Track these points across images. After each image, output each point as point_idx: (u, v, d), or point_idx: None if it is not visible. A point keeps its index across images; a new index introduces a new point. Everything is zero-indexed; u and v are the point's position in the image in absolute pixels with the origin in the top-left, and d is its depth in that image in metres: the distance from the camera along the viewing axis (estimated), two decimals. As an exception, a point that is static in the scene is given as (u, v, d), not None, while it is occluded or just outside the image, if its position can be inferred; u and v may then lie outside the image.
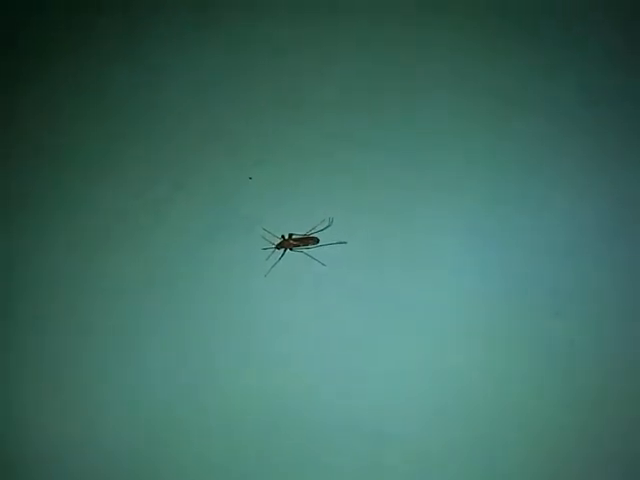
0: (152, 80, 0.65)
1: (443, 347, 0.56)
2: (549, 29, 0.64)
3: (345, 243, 0.59)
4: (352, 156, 0.61)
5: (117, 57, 0.67)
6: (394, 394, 0.55)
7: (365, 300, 0.58)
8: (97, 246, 0.61)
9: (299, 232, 0.59)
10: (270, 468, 0.55)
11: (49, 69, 0.67)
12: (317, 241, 0.59)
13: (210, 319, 0.58)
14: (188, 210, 0.61)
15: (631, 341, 0.55)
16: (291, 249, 0.59)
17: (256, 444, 0.55)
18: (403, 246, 0.59)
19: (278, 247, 0.58)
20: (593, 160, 0.60)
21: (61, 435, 0.56)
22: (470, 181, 0.60)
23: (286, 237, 0.59)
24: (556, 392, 0.55)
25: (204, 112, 0.64)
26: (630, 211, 0.58)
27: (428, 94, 0.63)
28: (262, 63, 0.65)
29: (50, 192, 0.63)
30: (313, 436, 0.55)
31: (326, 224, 0.59)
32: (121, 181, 0.62)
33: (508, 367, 0.56)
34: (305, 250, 0.59)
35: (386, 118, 0.63)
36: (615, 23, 0.64)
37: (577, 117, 0.61)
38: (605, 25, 0.64)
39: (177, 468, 0.55)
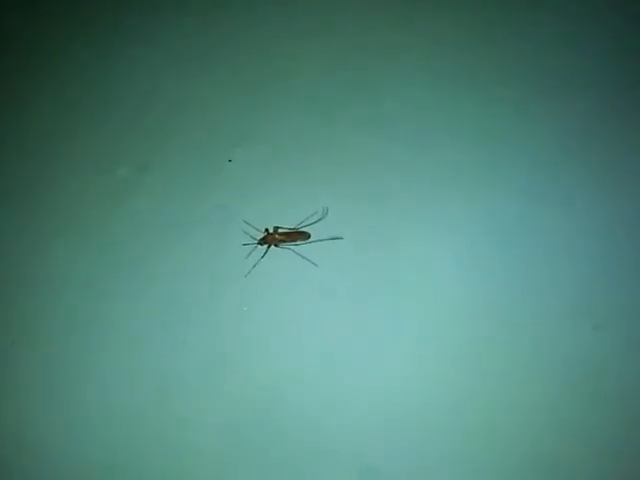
0: (114, 48, 0.61)
1: (450, 361, 0.49)
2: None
3: (341, 239, 0.51)
4: (350, 137, 0.55)
5: (77, 21, 0.62)
6: (390, 408, 0.48)
7: (363, 309, 0.50)
8: (46, 232, 0.55)
9: (286, 225, 0.52)
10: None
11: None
12: (308, 236, 0.52)
13: (174, 328, 0.51)
14: (154, 196, 0.55)
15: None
16: (277, 245, 0.52)
17: (231, 452, 0.48)
18: (409, 244, 0.51)
19: (261, 243, 0.52)
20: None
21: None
22: (487, 171, 0.54)
23: (271, 231, 0.52)
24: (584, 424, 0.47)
25: (176, 81, 0.59)
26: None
27: (434, 69, 0.57)
28: (244, 26, 0.60)
29: None
30: (296, 449, 0.47)
31: (319, 216, 0.52)
32: (76, 159, 0.57)
33: (525, 389, 0.47)
34: (293, 247, 0.52)
35: (386, 94, 0.57)
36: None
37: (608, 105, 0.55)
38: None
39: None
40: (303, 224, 0.52)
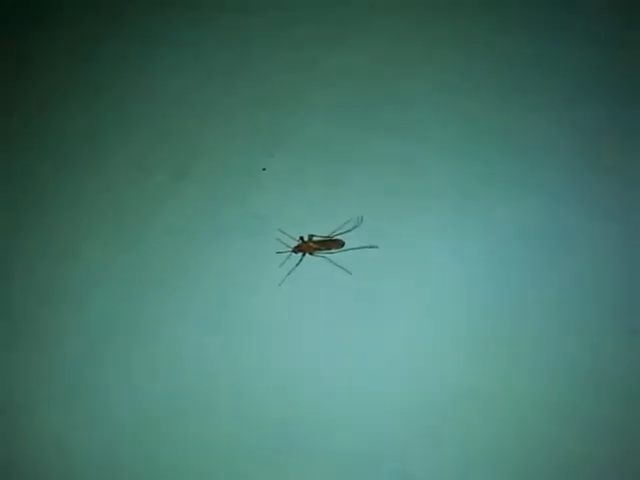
0: (149, 54, 0.61)
1: (483, 372, 0.47)
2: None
3: (376, 248, 0.50)
4: (384, 145, 0.54)
5: (110, 26, 0.63)
6: (413, 418, 0.47)
7: (397, 316, 0.49)
8: (81, 241, 0.55)
9: (321, 234, 0.51)
10: None
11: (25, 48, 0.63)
12: (342, 244, 0.51)
13: (210, 334, 0.50)
14: (190, 204, 0.54)
15: None
16: (311, 253, 0.51)
17: (256, 465, 0.47)
18: (442, 253, 0.50)
19: (295, 251, 0.51)
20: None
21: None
22: (523, 178, 0.52)
23: (305, 239, 0.51)
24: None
25: (212, 91, 0.58)
26: None
27: (468, 76, 0.56)
28: (278, 33, 0.60)
29: (30, 180, 0.58)
30: (319, 460, 0.46)
31: (354, 224, 0.51)
32: (112, 167, 0.56)
33: (551, 397, 0.46)
34: (328, 255, 0.51)
35: (420, 101, 0.55)
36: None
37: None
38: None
39: None
40: (337, 232, 0.51)
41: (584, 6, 0.57)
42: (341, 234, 0.51)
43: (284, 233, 0.51)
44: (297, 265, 0.50)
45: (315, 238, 0.51)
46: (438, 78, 0.56)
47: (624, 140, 0.52)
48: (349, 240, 0.51)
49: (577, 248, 0.49)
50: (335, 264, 0.50)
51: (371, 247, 0.50)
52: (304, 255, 0.51)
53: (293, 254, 0.51)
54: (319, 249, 0.51)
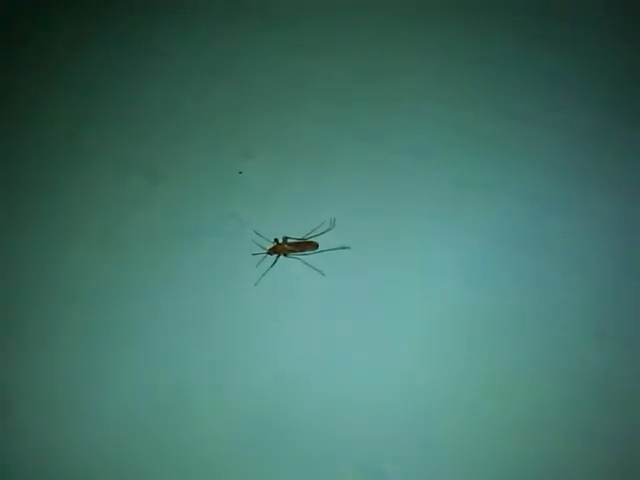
0: (129, 58, 0.61)
1: (457, 373, 0.48)
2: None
3: (349, 249, 0.51)
4: (358, 149, 0.56)
5: (88, 33, 0.62)
6: (394, 418, 0.47)
7: (371, 318, 0.50)
8: (59, 242, 0.54)
9: (295, 235, 0.52)
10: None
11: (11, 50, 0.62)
12: (316, 246, 0.52)
13: (186, 334, 0.50)
14: (167, 206, 0.55)
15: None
16: (286, 255, 0.52)
17: (236, 462, 0.47)
18: (419, 253, 0.52)
19: (270, 252, 0.52)
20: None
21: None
22: (497, 178, 0.54)
23: (280, 241, 0.52)
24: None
25: (188, 95, 0.59)
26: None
27: (444, 83, 0.58)
28: (256, 38, 0.60)
29: (8, 183, 0.57)
30: (298, 458, 0.47)
31: (327, 227, 0.52)
32: (89, 171, 0.56)
33: (531, 397, 0.47)
34: (302, 256, 0.52)
35: (395, 107, 0.57)
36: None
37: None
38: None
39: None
40: (311, 234, 0.52)
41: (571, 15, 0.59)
42: (315, 236, 0.52)
43: (260, 235, 0.52)
44: (272, 266, 0.51)
45: (290, 240, 0.52)
46: (419, 82, 0.58)
47: (603, 142, 0.55)
48: (323, 242, 0.52)
49: (559, 253, 0.51)
50: (309, 265, 0.51)
51: (344, 248, 0.52)
52: (279, 256, 0.52)
53: (268, 255, 0.51)
54: (293, 251, 0.52)
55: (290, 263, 0.52)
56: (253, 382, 0.48)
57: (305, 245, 0.52)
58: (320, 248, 0.52)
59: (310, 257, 0.52)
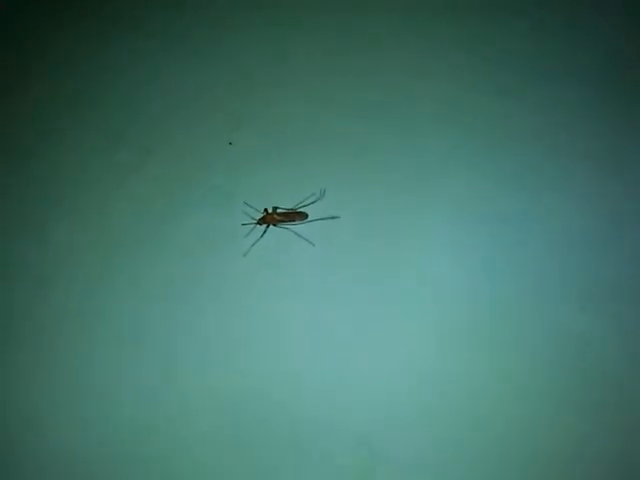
0: (119, 38, 0.60)
1: (445, 345, 0.49)
2: None
3: (338, 218, 0.52)
4: (347, 121, 0.55)
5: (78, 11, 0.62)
6: (385, 396, 0.48)
7: (359, 286, 0.50)
8: (47, 216, 0.54)
9: (285, 206, 0.52)
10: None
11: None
12: (306, 216, 0.52)
13: (176, 303, 0.51)
14: (157, 178, 0.54)
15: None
16: (275, 225, 0.52)
17: (225, 448, 0.48)
18: (405, 224, 0.52)
19: (260, 223, 0.52)
20: (621, 140, 0.53)
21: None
22: (482, 157, 0.54)
23: (270, 211, 0.52)
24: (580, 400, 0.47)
25: (176, 67, 0.58)
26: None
27: (435, 57, 0.57)
28: (243, 11, 0.60)
29: None
30: (293, 440, 0.47)
31: (316, 197, 0.52)
32: (79, 143, 0.56)
33: (518, 370, 0.48)
34: (291, 226, 0.52)
35: (385, 80, 0.57)
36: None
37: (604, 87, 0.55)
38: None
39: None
40: (301, 205, 0.52)
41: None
42: (304, 206, 0.52)
43: (249, 206, 0.52)
44: (262, 236, 0.51)
45: (279, 210, 0.52)
46: (411, 63, 0.57)
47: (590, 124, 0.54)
48: (312, 212, 0.52)
49: (542, 232, 0.51)
50: (299, 236, 0.51)
51: (333, 218, 0.52)
52: (268, 227, 0.52)
53: (258, 226, 0.52)
54: (283, 221, 0.52)
55: (280, 233, 0.52)
56: (240, 355, 0.49)
57: (295, 215, 0.52)
58: (309, 218, 0.52)
59: (299, 227, 0.52)
